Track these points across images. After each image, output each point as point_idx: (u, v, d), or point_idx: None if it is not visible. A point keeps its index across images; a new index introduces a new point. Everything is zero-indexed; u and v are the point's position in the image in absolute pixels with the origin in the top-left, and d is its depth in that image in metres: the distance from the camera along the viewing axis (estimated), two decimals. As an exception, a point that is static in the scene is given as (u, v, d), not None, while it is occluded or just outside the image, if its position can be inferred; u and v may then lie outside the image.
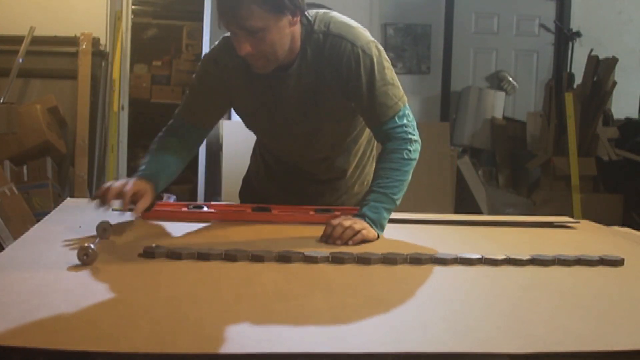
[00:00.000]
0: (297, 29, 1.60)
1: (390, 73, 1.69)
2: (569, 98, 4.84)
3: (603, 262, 1.38)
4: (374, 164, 1.95)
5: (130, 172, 1.85)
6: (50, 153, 3.99)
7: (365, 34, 1.67)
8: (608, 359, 0.88)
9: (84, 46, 4.29)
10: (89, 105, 4.28)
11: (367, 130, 1.83)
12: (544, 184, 5.10)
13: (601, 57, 4.97)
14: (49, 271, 1.17)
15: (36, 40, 4.14)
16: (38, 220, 1.73)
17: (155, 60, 6.65)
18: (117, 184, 1.52)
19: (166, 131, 1.75)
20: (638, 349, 0.88)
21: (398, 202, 1.64)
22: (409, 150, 1.67)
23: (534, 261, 1.36)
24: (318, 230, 1.57)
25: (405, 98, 1.71)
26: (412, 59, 5.58)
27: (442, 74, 5.70)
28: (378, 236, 1.57)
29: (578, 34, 5.66)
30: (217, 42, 1.74)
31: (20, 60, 4.05)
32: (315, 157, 1.81)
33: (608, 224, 1.97)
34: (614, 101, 5.18)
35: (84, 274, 1.17)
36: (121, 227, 1.55)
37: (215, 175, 4.89)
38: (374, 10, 5.44)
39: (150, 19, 6.78)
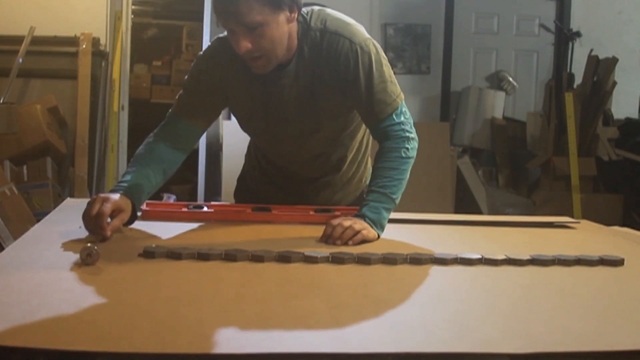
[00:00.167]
0: (294, 26, 1.60)
1: (388, 70, 1.69)
2: (569, 98, 4.84)
3: (603, 262, 1.38)
4: (369, 160, 1.95)
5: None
6: (50, 153, 3.99)
7: (362, 31, 1.67)
8: (608, 359, 0.88)
9: (84, 46, 4.29)
10: (89, 105, 4.28)
11: (363, 126, 1.82)
12: (544, 184, 5.10)
13: (601, 57, 4.97)
14: (49, 271, 1.17)
15: (36, 40, 4.14)
16: (38, 220, 1.73)
17: (155, 60, 6.65)
18: (94, 211, 1.44)
19: (156, 134, 1.70)
20: (638, 349, 0.88)
21: (397, 201, 1.64)
22: (407, 149, 1.67)
23: (534, 261, 1.36)
24: (318, 230, 1.57)
25: (402, 95, 1.71)
26: (412, 59, 5.58)
27: (442, 74, 5.70)
28: (378, 236, 1.56)
29: (578, 34, 5.66)
30: (210, 43, 1.74)
31: (20, 60, 4.05)
32: (311, 154, 1.80)
33: (608, 224, 1.97)
34: (614, 101, 5.18)
35: (84, 274, 1.17)
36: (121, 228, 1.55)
37: (215, 175, 4.89)
38: (374, 10, 5.44)
39: (150, 19, 6.78)
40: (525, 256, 1.37)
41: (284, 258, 1.30)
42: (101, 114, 4.41)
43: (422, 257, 1.34)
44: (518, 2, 5.91)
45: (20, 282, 1.09)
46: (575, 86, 5.12)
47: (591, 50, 5.05)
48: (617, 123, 5.13)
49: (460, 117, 5.70)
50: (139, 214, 1.60)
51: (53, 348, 0.81)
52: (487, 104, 5.67)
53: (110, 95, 4.41)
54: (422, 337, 0.91)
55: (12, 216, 3.34)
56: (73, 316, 0.94)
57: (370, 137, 1.89)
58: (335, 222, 1.52)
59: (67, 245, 1.37)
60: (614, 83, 4.92)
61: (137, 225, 1.59)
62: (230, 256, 1.30)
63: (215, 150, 4.95)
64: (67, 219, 1.60)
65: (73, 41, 4.32)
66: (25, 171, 3.87)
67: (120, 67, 4.43)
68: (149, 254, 1.30)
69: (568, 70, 5.47)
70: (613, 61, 4.92)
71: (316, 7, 1.69)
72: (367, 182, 1.97)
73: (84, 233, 1.46)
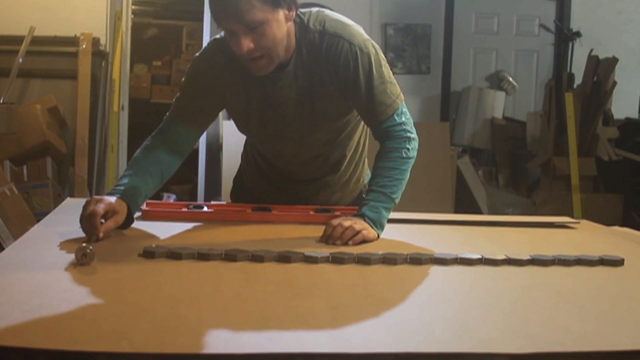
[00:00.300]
0: (292, 25, 1.59)
1: (387, 71, 1.68)
2: (569, 98, 4.84)
3: (603, 262, 1.38)
4: (367, 160, 1.95)
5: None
6: (50, 153, 3.99)
7: (361, 32, 1.67)
8: (608, 359, 0.88)
9: (84, 46, 4.29)
10: (89, 105, 4.28)
11: (361, 126, 1.82)
12: (544, 184, 5.10)
13: (601, 57, 4.97)
14: (49, 271, 1.17)
15: (36, 40, 4.14)
16: (38, 220, 1.73)
17: (155, 60, 6.65)
18: (87, 211, 1.44)
19: (154, 137, 1.69)
20: (638, 349, 0.88)
21: (397, 201, 1.64)
22: (408, 149, 1.67)
23: (534, 261, 1.36)
24: (318, 230, 1.57)
25: (402, 96, 1.71)
26: (412, 59, 5.58)
27: (442, 74, 5.70)
28: (378, 236, 1.56)
29: (578, 34, 5.66)
30: (206, 44, 1.73)
31: (20, 60, 4.05)
32: (310, 154, 1.80)
33: (608, 224, 1.97)
34: (614, 101, 5.18)
35: (84, 274, 1.17)
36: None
37: (215, 175, 4.89)
38: (374, 10, 5.44)
39: (150, 19, 6.78)
40: (525, 256, 1.37)
41: (284, 258, 1.30)
42: (101, 114, 4.41)
43: (422, 257, 1.34)
44: (518, 2, 5.91)
45: (20, 282, 1.09)
46: (575, 86, 5.12)
47: (591, 50, 5.05)
48: (617, 123, 5.13)
49: (460, 117, 5.70)
50: (136, 215, 1.58)
51: (53, 348, 0.81)
52: (487, 104, 5.67)
53: (110, 95, 4.41)
54: (422, 337, 0.91)
55: (12, 216, 3.34)
56: (73, 316, 0.94)
57: (368, 137, 1.89)
58: (335, 222, 1.52)
59: (67, 246, 1.37)
60: (614, 83, 4.92)
61: (137, 225, 1.59)
62: (230, 256, 1.30)
63: (215, 150, 4.95)
64: (67, 219, 1.60)
65: (73, 41, 4.32)
66: (25, 171, 3.87)
67: (120, 67, 4.43)
68: (149, 254, 1.30)
69: (568, 70, 5.47)
70: (613, 61, 4.92)
71: (314, 9, 1.68)
72: (365, 182, 1.98)
73: (83, 233, 1.45)
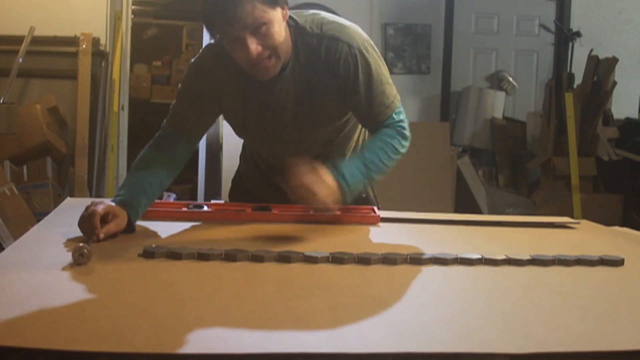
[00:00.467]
0: (286, 27, 1.59)
1: (386, 72, 1.69)
2: (569, 98, 4.84)
3: (603, 262, 1.38)
4: None
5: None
6: (50, 153, 3.99)
7: (359, 33, 1.66)
8: (608, 359, 0.88)
9: (84, 46, 4.29)
10: (89, 105, 4.28)
11: (360, 125, 1.82)
12: (544, 184, 5.10)
13: (601, 57, 4.97)
14: (49, 271, 1.17)
15: (36, 40, 4.14)
16: (38, 220, 1.73)
17: (155, 60, 6.65)
18: (87, 212, 1.44)
19: (151, 145, 1.68)
20: (638, 349, 0.88)
21: (372, 182, 1.65)
22: (401, 144, 1.68)
23: (534, 261, 1.36)
24: (318, 230, 1.56)
25: (399, 96, 1.72)
26: (412, 59, 5.58)
27: (442, 74, 5.70)
28: (340, 201, 1.54)
29: (578, 34, 5.66)
30: (200, 51, 1.71)
31: (20, 60, 4.05)
32: (309, 156, 1.77)
33: (608, 224, 1.97)
34: (614, 101, 5.18)
35: (84, 274, 1.17)
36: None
37: (215, 175, 4.89)
38: (374, 10, 5.44)
39: (150, 19, 6.78)
40: (525, 256, 1.37)
41: (284, 258, 1.30)
42: (101, 114, 4.41)
43: (422, 257, 1.34)
44: (518, 2, 5.91)
45: (20, 282, 1.09)
46: (575, 86, 5.12)
47: (591, 50, 5.05)
48: (617, 123, 5.13)
49: (460, 117, 5.70)
50: (136, 223, 1.56)
51: (53, 348, 0.81)
52: (487, 104, 5.67)
53: (110, 95, 4.41)
54: (422, 337, 0.91)
55: (12, 216, 3.34)
56: (73, 316, 0.94)
57: (366, 137, 1.88)
58: (299, 181, 1.48)
59: (67, 246, 1.37)
60: (614, 83, 4.92)
61: (137, 224, 1.59)
62: (230, 256, 1.30)
63: (215, 150, 4.95)
64: (67, 219, 1.60)
65: (73, 41, 4.32)
66: (25, 171, 3.87)
67: (120, 67, 4.43)
68: (149, 254, 1.30)
69: (568, 70, 5.47)
70: (613, 61, 4.92)
71: (310, 12, 1.68)
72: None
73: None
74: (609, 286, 1.25)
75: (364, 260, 1.31)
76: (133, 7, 4.93)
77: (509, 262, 1.35)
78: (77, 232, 1.46)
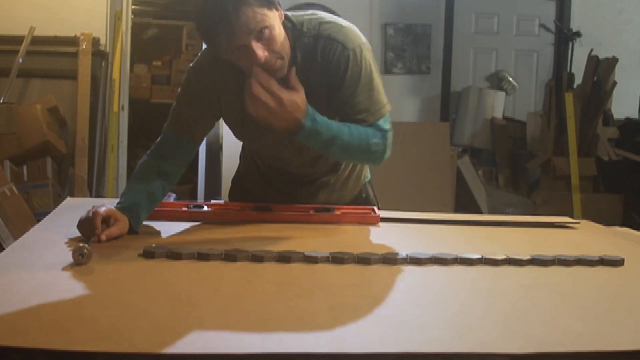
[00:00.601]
0: (283, 27, 1.58)
1: (377, 79, 1.65)
2: (569, 98, 4.84)
3: (603, 262, 1.38)
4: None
5: (130, 172, 1.81)
6: (50, 153, 3.99)
7: (357, 34, 1.64)
8: (608, 359, 0.88)
9: (84, 46, 4.29)
10: (89, 105, 4.28)
11: None
12: (544, 184, 5.10)
13: (601, 57, 4.97)
14: (49, 271, 1.17)
15: (36, 40, 4.14)
16: (38, 220, 1.73)
17: (155, 60, 6.65)
18: (89, 213, 1.44)
19: (153, 151, 1.68)
20: (638, 349, 0.88)
21: (329, 149, 1.58)
22: (377, 148, 1.62)
23: (534, 261, 1.36)
24: (318, 230, 1.56)
25: (388, 107, 1.67)
26: (412, 59, 5.58)
27: (442, 74, 5.70)
28: (297, 133, 1.51)
29: (578, 34, 5.66)
30: (199, 54, 1.70)
31: (20, 60, 4.05)
32: (308, 157, 1.77)
33: (608, 224, 1.97)
34: (614, 101, 5.18)
35: (84, 275, 1.17)
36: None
37: (215, 175, 4.89)
38: (374, 10, 5.44)
39: (150, 19, 6.78)
40: (525, 256, 1.37)
41: (284, 258, 1.30)
42: (101, 114, 4.41)
43: (422, 257, 1.34)
44: (518, 2, 5.91)
45: (20, 282, 1.09)
46: (575, 86, 5.12)
47: (591, 50, 5.05)
48: (617, 123, 5.13)
49: (460, 117, 5.70)
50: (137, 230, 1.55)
51: (53, 348, 0.81)
52: (487, 104, 5.67)
53: (110, 95, 4.41)
54: (422, 337, 0.91)
55: (12, 216, 3.34)
56: (73, 316, 0.94)
57: None
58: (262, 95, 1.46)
59: (67, 246, 1.37)
60: (614, 83, 4.92)
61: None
62: (230, 256, 1.30)
63: (215, 150, 4.95)
64: (67, 219, 1.60)
65: (73, 41, 4.32)
66: (25, 171, 3.87)
67: (120, 67, 4.43)
68: (149, 254, 1.30)
69: (568, 70, 5.47)
70: (613, 61, 4.92)
71: (308, 11, 1.67)
72: (366, 179, 1.97)
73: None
74: (609, 286, 1.25)
75: (364, 260, 1.31)
76: (133, 7, 4.93)
77: (509, 262, 1.35)
78: (77, 232, 1.46)
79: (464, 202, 4.91)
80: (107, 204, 1.49)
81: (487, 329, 0.95)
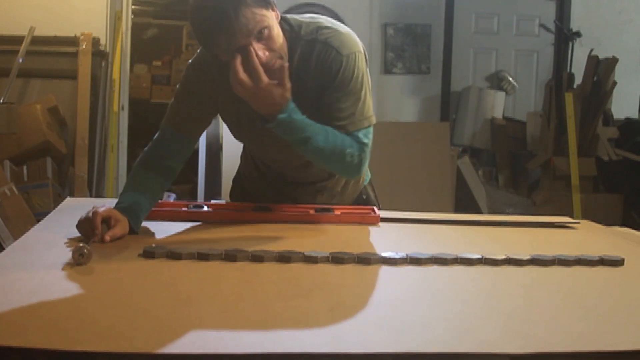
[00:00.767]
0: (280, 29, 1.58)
1: (367, 90, 1.64)
2: (569, 98, 4.84)
3: (603, 262, 1.38)
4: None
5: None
6: (50, 153, 3.99)
7: (354, 41, 1.63)
8: (608, 359, 0.88)
9: (84, 46, 4.29)
10: (89, 105, 4.28)
11: None
12: (544, 184, 5.10)
13: (601, 57, 4.97)
14: (49, 271, 1.17)
15: (36, 40, 4.14)
16: (38, 220, 1.73)
17: (155, 60, 6.65)
18: (89, 213, 1.44)
19: (150, 148, 1.68)
20: (638, 349, 0.88)
21: (301, 145, 1.56)
22: (353, 160, 1.59)
23: (534, 261, 1.36)
24: (318, 230, 1.56)
25: (373, 120, 1.65)
26: (412, 59, 5.58)
27: (442, 74, 5.71)
28: (276, 123, 1.50)
29: (578, 34, 5.66)
30: (198, 51, 1.71)
31: (20, 60, 4.05)
32: (304, 159, 1.76)
33: (608, 224, 1.97)
34: (614, 101, 5.19)
35: (84, 274, 1.17)
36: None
37: (215, 175, 4.89)
38: (374, 10, 5.44)
39: (150, 19, 6.78)
40: (525, 256, 1.37)
41: (284, 258, 1.30)
42: (101, 114, 4.41)
43: (422, 257, 1.34)
44: (518, 2, 5.91)
45: (20, 282, 1.09)
46: (575, 86, 5.13)
47: (591, 50, 5.06)
48: (617, 123, 5.13)
49: (460, 117, 5.70)
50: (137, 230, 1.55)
51: (53, 348, 0.81)
52: (487, 104, 5.68)
53: (110, 95, 4.41)
54: (422, 337, 0.91)
55: (12, 216, 3.34)
56: (73, 316, 0.94)
57: None
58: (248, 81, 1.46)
59: (67, 246, 1.37)
60: (614, 83, 4.93)
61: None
62: (230, 256, 1.30)
63: (215, 150, 4.95)
64: (67, 219, 1.60)
65: (73, 41, 4.32)
66: (25, 171, 3.87)
67: (120, 67, 4.43)
68: (149, 254, 1.30)
69: (568, 70, 5.48)
70: (613, 61, 4.92)
71: (307, 15, 1.67)
72: (366, 182, 1.97)
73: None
74: (609, 286, 1.25)
75: (364, 260, 1.31)
76: (133, 7, 4.93)
77: (509, 262, 1.35)
78: (77, 232, 1.46)
79: (464, 202, 4.92)
80: (107, 204, 1.49)
81: (487, 329, 0.95)
